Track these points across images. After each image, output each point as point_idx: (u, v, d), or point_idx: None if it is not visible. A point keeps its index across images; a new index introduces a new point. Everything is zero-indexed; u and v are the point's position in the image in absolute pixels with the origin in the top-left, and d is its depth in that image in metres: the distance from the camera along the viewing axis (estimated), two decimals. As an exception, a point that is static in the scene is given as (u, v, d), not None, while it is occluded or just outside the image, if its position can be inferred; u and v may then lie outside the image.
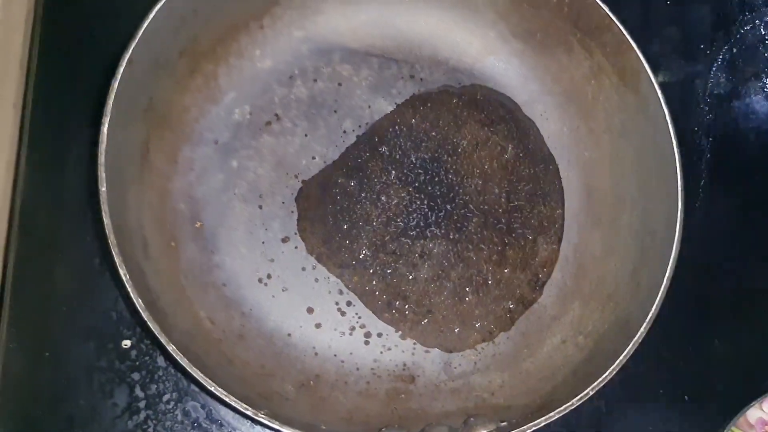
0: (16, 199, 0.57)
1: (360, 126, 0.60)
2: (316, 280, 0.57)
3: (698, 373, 0.60)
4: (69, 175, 0.58)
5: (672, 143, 0.53)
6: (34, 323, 0.55)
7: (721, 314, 0.62)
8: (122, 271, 0.45)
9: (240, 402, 0.45)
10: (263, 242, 0.57)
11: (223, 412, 0.55)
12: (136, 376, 0.55)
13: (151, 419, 0.54)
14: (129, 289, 0.45)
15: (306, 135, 0.60)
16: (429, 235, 0.58)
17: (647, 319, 0.49)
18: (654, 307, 0.49)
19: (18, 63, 0.60)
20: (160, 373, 0.55)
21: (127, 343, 0.55)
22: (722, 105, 0.68)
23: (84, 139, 0.58)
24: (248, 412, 0.45)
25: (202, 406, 0.55)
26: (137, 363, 0.55)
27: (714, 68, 0.69)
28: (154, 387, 0.55)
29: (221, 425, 0.55)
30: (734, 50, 0.69)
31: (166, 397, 0.55)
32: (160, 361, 0.55)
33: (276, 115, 0.60)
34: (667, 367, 0.60)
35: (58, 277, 0.56)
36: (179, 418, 0.54)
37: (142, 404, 0.54)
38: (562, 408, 0.47)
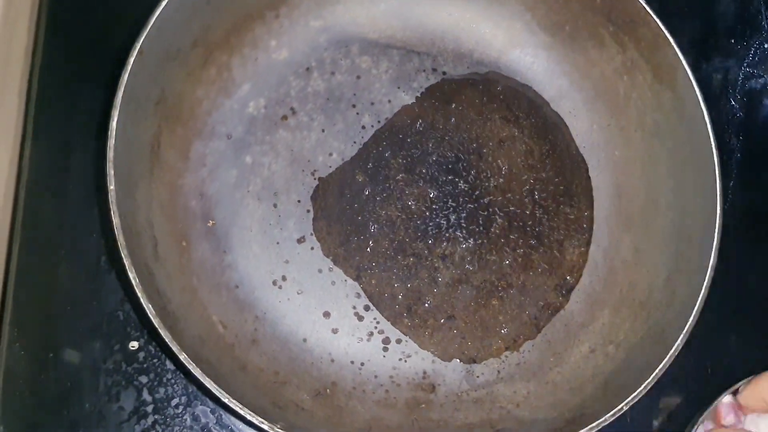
0: (20, 194, 0.57)
1: (379, 121, 0.59)
2: (333, 282, 0.56)
3: (727, 381, 0.58)
4: (74, 170, 0.57)
5: (710, 143, 0.52)
6: (37, 323, 0.54)
7: (756, 325, 0.61)
8: (132, 275, 0.45)
9: (255, 414, 0.44)
10: (278, 242, 0.56)
11: (234, 417, 0.54)
12: (143, 378, 0.54)
13: (159, 424, 0.53)
14: (139, 295, 0.45)
15: (323, 130, 0.59)
16: (451, 236, 0.57)
17: (684, 331, 0.48)
18: (691, 317, 0.48)
19: (23, 51, 0.60)
20: (169, 376, 0.54)
21: (134, 345, 0.55)
22: (753, 102, 0.67)
23: (90, 132, 0.57)
24: (264, 426, 0.44)
25: (212, 411, 0.54)
26: (145, 365, 0.54)
27: (745, 64, 0.68)
28: (162, 390, 0.54)
29: (232, 431, 0.54)
30: (766, 45, 0.68)
31: (174, 401, 0.54)
32: (169, 363, 0.55)
33: (292, 108, 0.59)
34: (695, 376, 0.58)
35: (63, 275, 0.55)
36: (188, 423, 0.54)
37: (149, 408, 0.54)
38: (594, 424, 0.45)
